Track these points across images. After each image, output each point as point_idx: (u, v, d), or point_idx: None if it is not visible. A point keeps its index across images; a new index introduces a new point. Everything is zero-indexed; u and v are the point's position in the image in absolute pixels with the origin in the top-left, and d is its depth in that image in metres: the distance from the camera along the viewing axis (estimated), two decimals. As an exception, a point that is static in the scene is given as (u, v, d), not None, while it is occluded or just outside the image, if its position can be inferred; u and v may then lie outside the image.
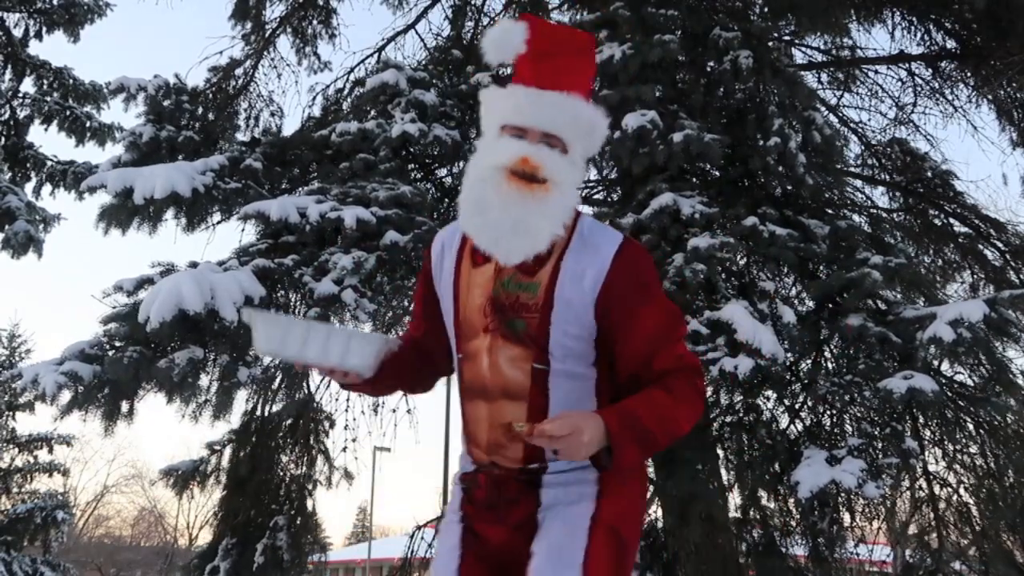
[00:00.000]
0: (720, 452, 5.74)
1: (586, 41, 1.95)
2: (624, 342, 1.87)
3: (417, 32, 8.45)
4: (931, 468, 5.38)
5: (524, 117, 1.84)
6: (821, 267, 5.44)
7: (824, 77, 8.24)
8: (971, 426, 5.35)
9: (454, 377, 2.06)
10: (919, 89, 7.87)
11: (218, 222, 6.35)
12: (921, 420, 5.20)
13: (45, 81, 11.14)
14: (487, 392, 1.91)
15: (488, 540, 1.93)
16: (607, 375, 1.92)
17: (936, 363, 4.96)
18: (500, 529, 1.91)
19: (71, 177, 10.59)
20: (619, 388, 1.89)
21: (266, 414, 6.51)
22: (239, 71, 7.92)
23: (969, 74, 7.43)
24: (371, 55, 8.20)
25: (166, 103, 6.56)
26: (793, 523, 5.55)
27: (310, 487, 6.52)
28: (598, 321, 1.86)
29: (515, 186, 1.78)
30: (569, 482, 1.89)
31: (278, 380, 6.10)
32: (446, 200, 6.82)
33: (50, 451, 15.14)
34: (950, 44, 7.40)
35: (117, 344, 4.88)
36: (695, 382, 1.88)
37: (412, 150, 6.12)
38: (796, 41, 7.78)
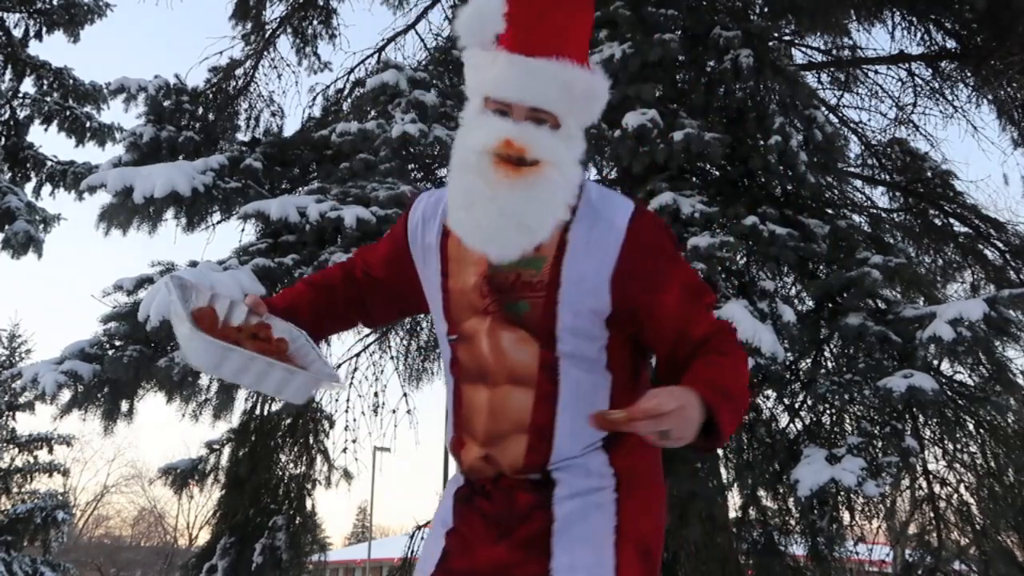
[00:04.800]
0: (719, 451, 5.74)
1: None
2: (654, 317, 1.66)
3: (417, 32, 8.47)
4: (931, 467, 5.39)
5: (508, 91, 1.59)
6: (821, 267, 5.44)
7: (824, 77, 8.24)
8: (971, 425, 5.35)
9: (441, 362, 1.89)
10: (919, 89, 7.87)
11: (218, 222, 6.36)
12: (921, 419, 5.20)
13: (45, 81, 11.14)
14: (489, 376, 1.70)
15: (476, 557, 1.69)
16: (617, 357, 1.70)
17: (936, 362, 4.96)
18: (500, 547, 1.67)
19: (71, 177, 10.60)
20: (664, 364, 1.70)
21: (265, 414, 6.52)
22: (239, 71, 7.93)
23: (969, 74, 7.43)
24: (371, 55, 8.21)
25: (166, 103, 6.57)
26: (792, 522, 5.55)
27: (309, 487, 6.52)
28: (614, 299, 1.64)
29: (503, 172, 1.56)
30: (589, 488, 1.68)
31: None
32: (446, 200, 6.81)
33: (50, 451, 15.15)
34: (950, 44, 7.40)
35: (117, 343, 4.89)
36: (736, 340, 1.72)
37: (412, 150, 6.13)
38: (796, 41, 7.78)
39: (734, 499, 5.71)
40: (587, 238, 1.65)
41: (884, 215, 7.18)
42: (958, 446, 5.34)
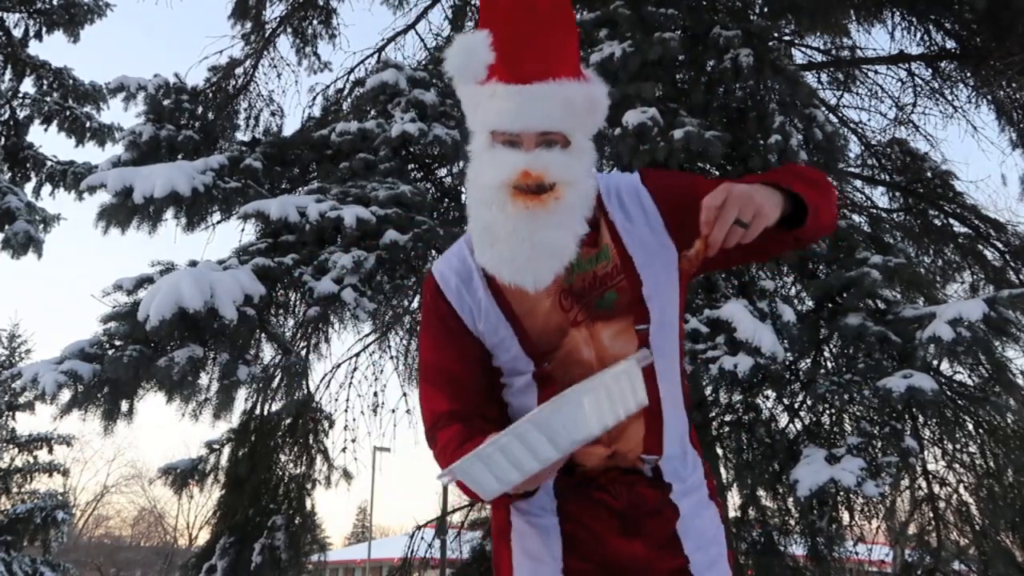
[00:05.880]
0: (719, 451, 5.73)
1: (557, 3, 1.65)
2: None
3: (417, 32, 8.48)
4: (930, 467, 5.38)
5: (513, 122, 1.63)
6: (821, 266, 5.44)
7: (824, 77, 8.25)
8: (971, 425, 5.34)
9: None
10: (919, 89, 7.88)
11: (218, 222, 6.35)
12: (920, 419, 5.19)
13: (45, 81, 11.12)
14: None
15: (610, 550, 1.73)
16: (681, 325, 1.80)
17: (935, 362, 4.96)
18: (637, 543, 1.72)
19: (71, 177, 10.58)
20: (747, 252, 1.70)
21: (265, 413, 6.51)
22: (239, 70, 7.93)
23: (969, 74, 7.43)
24: (371, 55, 8.22)
25: (166, 102, 6.56)
26: (792, 522, 5.55)
27: (309, 487, 6.51)
28: (675, 239, 1.73)
29: (522, 203, 1.60)
30: (694, 486, 1.78)
31: (278, 379, 6.10)
32: (446, 200, 6.82)
33: (50, 451, 15.13)
34: (950, 44, 7.40)
35: (117, 343, 4.88)
36: None
37: (412, 150, 6.13)
38: (796, 41, 7.78)
39: (734, 499, 5.72)
40: (624, 211, 1.75)
41: (884, 215, 7.18)
42: (957, 446, 5.34)
